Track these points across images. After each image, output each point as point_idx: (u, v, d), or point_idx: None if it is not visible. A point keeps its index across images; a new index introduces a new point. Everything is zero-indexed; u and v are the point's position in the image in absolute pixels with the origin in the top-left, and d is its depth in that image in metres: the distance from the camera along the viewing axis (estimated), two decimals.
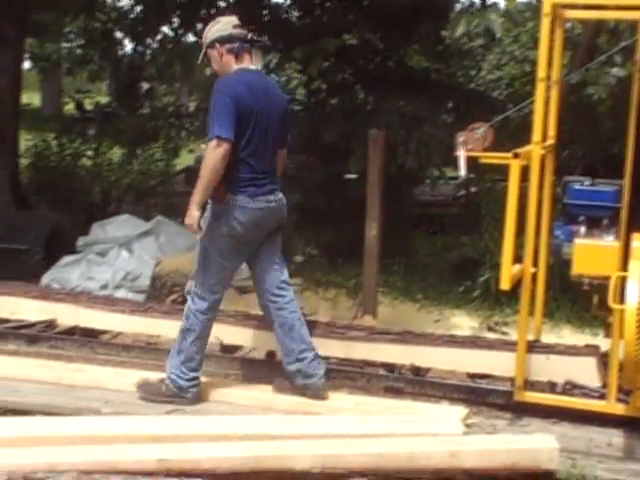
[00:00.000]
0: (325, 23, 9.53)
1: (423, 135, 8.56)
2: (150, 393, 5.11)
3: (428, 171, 9.02)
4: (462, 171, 5.07)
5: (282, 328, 5.18)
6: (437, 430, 4.43)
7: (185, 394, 5.06)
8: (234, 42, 4.98)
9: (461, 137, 5.09)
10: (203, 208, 4.96)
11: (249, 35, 5.12)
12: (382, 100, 8.97)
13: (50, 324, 6.19)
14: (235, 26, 5.04)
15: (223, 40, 4.99)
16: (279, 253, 5.35)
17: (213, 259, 5.05)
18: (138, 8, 11.52)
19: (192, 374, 5.10)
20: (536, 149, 4.85)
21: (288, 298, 5.23)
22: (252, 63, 5.06)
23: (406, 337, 5.63)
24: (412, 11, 9.31)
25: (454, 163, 9.05)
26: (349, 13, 9.45)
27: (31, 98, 24.01)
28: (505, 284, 4.72)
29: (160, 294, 7.42)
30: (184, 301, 7.11)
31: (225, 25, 5.04)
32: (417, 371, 5.52)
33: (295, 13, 10.08)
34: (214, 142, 4.76)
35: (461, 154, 5.07)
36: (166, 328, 6.01)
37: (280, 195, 5.18)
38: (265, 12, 9.99)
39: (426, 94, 9.30)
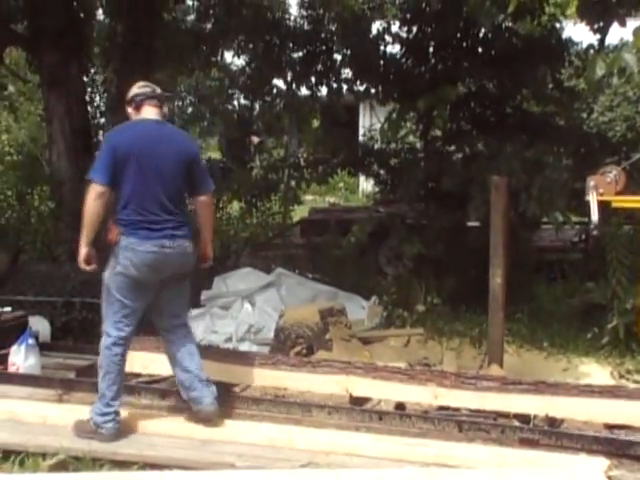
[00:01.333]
0: (441, 71, 9.55)
1: (545, 180, 8.42)
2: (78, 430, 5.29)
3: (551, 217, 8.85)
4: (594, 216, 4.98)
5: (171, 360, 5.57)
6: None
7: (100, 429, 5.22)
8: (136, 98, 5.46)
9: (592, 181, 5.01)
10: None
11: (156, 91, 5.49)
12: (500, 146, 8.89)
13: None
14: (140, 86, 5.52)
15: (129, 99, 5.52)
16: (180, 301, 5.62)
17: (113, 296, 5.31)
18: (252, 66, 11.78)
19: (105, 409, 5.26)
20: None
21: (179, 335, 5.56)
22: (155, 114, 5.44)
23: (540, 387, 5.48)
24: (527, 55, 9.24)
25: (577, 208, 8.93)
26: (464, 60, 9.43)
27: None
28: None
29: (284, 346, 7.43)
30: (308, 353, 7.19)
31: (133, 88, 5.55)
32: (552, 422, 5.38)
33: (410, 63, 10.08)
34: (91, 185, 5.21)
35: (592, 198, 4.98)
36: (293, 380, 6.01)
37: (181, 242, 5.33)
38: (380, 63, 10.05)
39: (545, 138, 9.19)
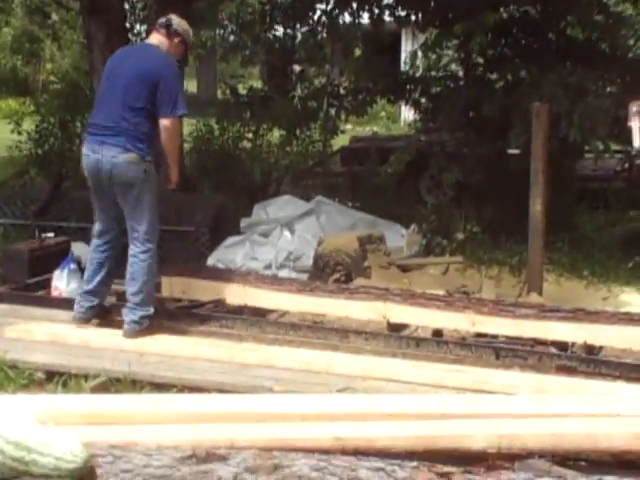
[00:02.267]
0: None
1: (587, 107, 8.27)
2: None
3: (592, 144, 8.71)
4: (636, 142, 4.89)
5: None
6: (619, 410, 4.26)
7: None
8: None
9: (635, 107, 4.90)
10: None
11: (163, 20, 5.96)
12: (543, 73, 8.71)
13: (219, 304, 6.32)
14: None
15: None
16: (127, 213, 5.77)
17: None
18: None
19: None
20: None
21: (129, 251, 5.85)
22: (152, 39, 5.95)
23: (578, 315, 5.47)
24: None
25: (618, 136, 8.79)
26: None
27: (188, 85, 24.66)
28: None
29: (323, 273, 7.46)
30: (347, 280, 7.22)
31: None
32: (590, 350, 5.37)
33: None
34: None
35: (635, 124, 4.88)
36: (331, 307, 6.05)
37: (110, 149, 5.60)
38: None
39: (589, 65, 8.99)
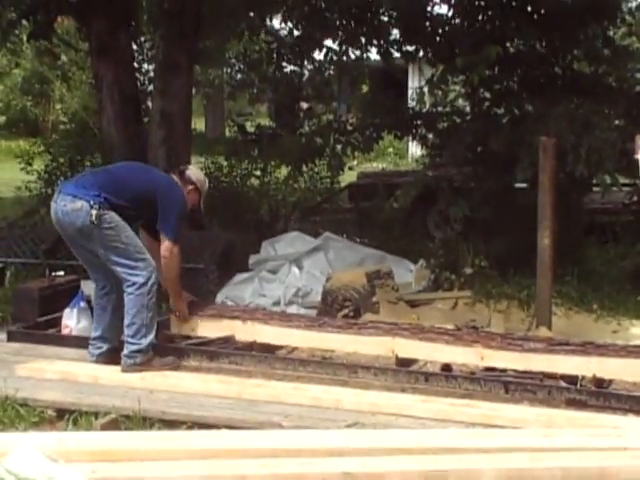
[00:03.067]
0: (488, 31, 9.43)
1: (594, 140, 8.30)
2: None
3: (599, 178, 8.75)
4: None
5: None
6: (628, 444, 4.26)
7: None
8: None
9: None
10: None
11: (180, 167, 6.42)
12: (549, 106, 8.77)
13: (228, 340, 6.33)
14: None
15: None
16: (92, 266, 6.01)
17: None
18: (298, 30, 11.75)
19: None
20: None
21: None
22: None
23: (587, 348, 5.46)
24: (578, 13, 9.09)
25: (626, 169, 8.81)
26: (512, 20, 9.31)
27: (196, 123, 24.85)
28: None
29: (331, 309, 7.47)
30: (355, 316, 7.23)
31: None
32: (600, 383, 5.35)
33: (457, 23, 9.97)
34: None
35: None
36: (340, 342, 6.06)
37: (64, 197, 5.77)
38: (427, 24, 9.96)
39: (595, 98, 9.05)
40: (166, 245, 5.85)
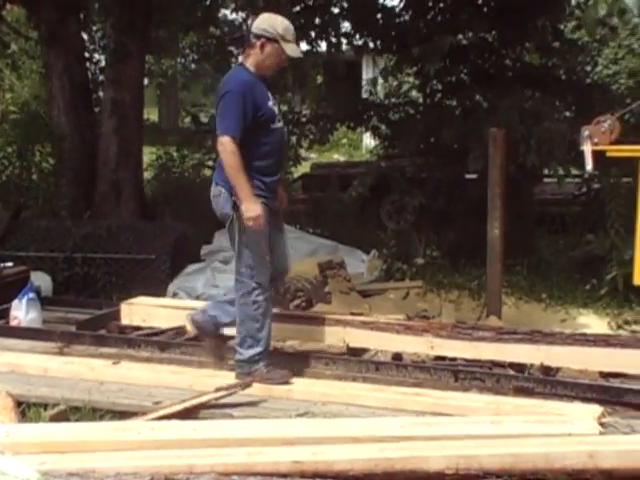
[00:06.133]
0: (439, 23, 9.49)
1: (544, 131, 8.41)
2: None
3: (551, 167, 8.87)
4: (588, 166, 4.98)
5: None
6: (572, 430, 4.33)
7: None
8: None
9: (586, 131, 4.99)
10: None
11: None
12: (500, 98, 8.85)
13: (180, 331, 6.32)
14: None
15: None
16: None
17: None
18: (250, 21, 11.70)
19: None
20: None
21: None
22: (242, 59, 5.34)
23: (535, 336, 5.53)
24: (528, 6, 9.17)
25: (575, 160, 8.93)
26: (463, 12, 9.36)
27: (149, 113, 24.66)
28: (638, 279, 4.60)
29: (284, 300, 7.49)
30: (307, 306, 7.25)
31: None
32: (547, 371, 5.43)
33: (408, 16, 10.01)
34: None
35: (587, 148, 4.97)
36: (291, 332, 6.08)
37: (213, 184, 5.28)
38: (379, 16, 9.99)
39: (545, 90, 9.15)
40: (217, 138, 5.06)
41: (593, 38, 14.00)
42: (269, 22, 5.15)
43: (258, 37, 5.11)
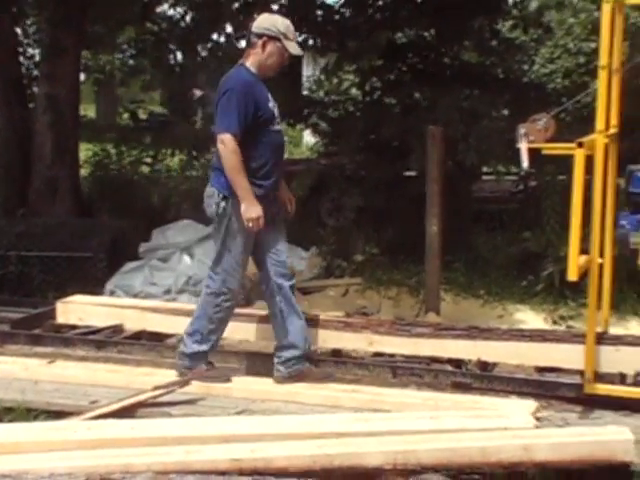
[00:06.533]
0: (379, 21, 9.53)
1: (483, 129, 8.50)
2: None
3: (490, 165, 8.98)
4: (524, 163, 5.01)
5: None
6: (508, 424, 4.38)
7: None
8: None
9: (522, 129, 5.02)
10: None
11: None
12: (439, 96, 8.92)
13: (117, 329, 6.25)
14: None
15: None
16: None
17: None
18: (189, 17, 11.63)
19: None
20: (600, 138, 4.79)
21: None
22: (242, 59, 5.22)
23: (472, 332, 5.58)
24: (466, 6, 9.26)
25: (513, 158, 9.04)
26: (402, 10, 9.42)
27: (86, 109, 24.35)
28: (572, 275, 4.66)
29: None
30: (247, 303, 7.22)
31: None
32: (484, 366, 5.48)
33: (348, 13, 10.04)
34: None
35: (523, 146, 5.01)
36: (231, 330, 6.03)
37: (208, 185, 5.21)
38: (318, 13, 10.00)
39: (483, 88, 9.24)
40: (217, 136, 4.97)
41: (530, 35, 14.19)
42: (270, 21, 5.13)
43: (259, 36, 5.06)
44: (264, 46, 5.06)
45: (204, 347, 5.32)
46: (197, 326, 5.33)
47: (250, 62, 5.12)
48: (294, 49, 5.15)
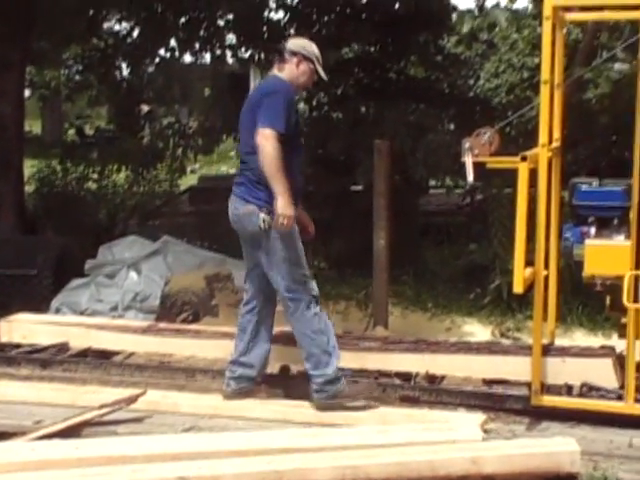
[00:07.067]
0: (324, 37, 9.57)
1: (430, 143, 8.57)
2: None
3: (439, 178, 9.05)
4: (469, 177, 5.05)
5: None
6: (456, 437, 4.40)
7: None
8: None
9: (467, 143, 5.07)
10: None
11: (279, 48, 5.33)
12: (385, 110, 8.98)
13: (62, 347, 6.17)
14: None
15: None
16: (254, 267, 5.27)
17: None
18: (135, 32, 11.58)
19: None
20: (543, 151, 4.85)
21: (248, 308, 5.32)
22: (273, 70, 5.27)
23: (420, 345, 5.61)
24: (410, 21, 9.34)
25: (460, 171, 9.12)
26: (347, 26, 9.47)
27: (32, 125, 24.10)
28: (518, 287, 4.71)
29: (170, 313, 7.40)
30: (195, 319, 7.18)
31: None
32: (432, 379, 5.49)
33: (293, 29, 10.08)
34: None
35: (468, 160, 5.05)
36: (178, 346, 6.01)
37: (235, 200, 5.16)
38: (264, 29, 10.01)
39: (428, 103, 9.32)
40: (259, 131, 4.87)
41: (475, 51, 14.34)
42: (306, 43, 5.29)
43: (295, 54, 5.17)
44: (298, 64, 5.18)
45: (335, 359, 5.11)
46: (317, 350, 5.09)
47: (285, 74, 5.18)
48: (323, 74, 5.28)
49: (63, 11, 11.46)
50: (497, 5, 8.18)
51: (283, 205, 4.87)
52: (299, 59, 5.16)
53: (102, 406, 4.97)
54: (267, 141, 4.84)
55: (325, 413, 5.05)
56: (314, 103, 10.23)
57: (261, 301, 5.28)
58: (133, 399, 5.07)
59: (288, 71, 5.16)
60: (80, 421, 4.82)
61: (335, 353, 5.11)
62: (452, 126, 10.70)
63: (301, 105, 11.74)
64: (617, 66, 10.45)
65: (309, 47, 5.24)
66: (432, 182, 11.45)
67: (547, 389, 5.07)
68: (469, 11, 9.48)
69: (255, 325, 5.27)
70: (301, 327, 5.12)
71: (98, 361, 5.96)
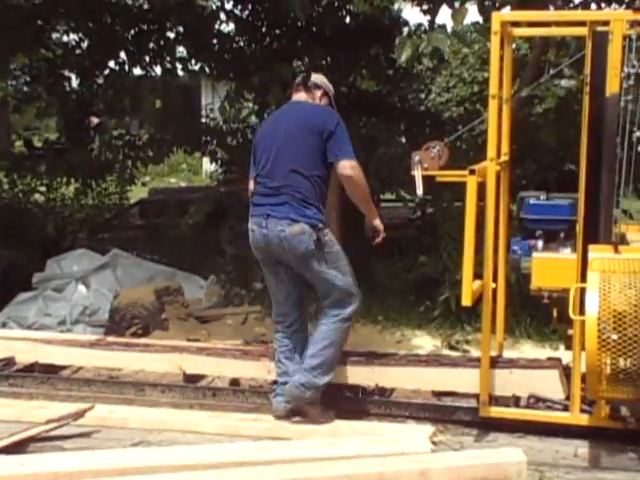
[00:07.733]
0: (275, 50, 9.57)
1: (382, 156, 8.60)
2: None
3: (392, 191, 9.08)
4: (419, 190, 5.10)
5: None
6: (405, 449, 4.43)
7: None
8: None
9: (417, 156, 5.12)
10: None
11: (301, 77, 5.54)
12: None
13: (8, 362, 6.08)
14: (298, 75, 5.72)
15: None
16: (298, 291, 5.49)
17: None
18: (84, 44, 11.48)
19: None
20: (491, 165, 4.90)
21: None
22: (296, 97, 5.45)
23: (369, 358, 5.61)
24: (361, 35, 9.38)
25: (411, 184, 9.19)
26: (298, 39, 9.49)
27: None
28: (466, 300, 4.74)
29: (120, 327, 7.35)
30: (144, 333, 7.14)
31: None
32: (382, 392, 5.51)
33: (243, 42, 10.06)
34: None
35: (417, 173, 5.09)
36: (126, 360, 5.95)
37: (276, 223, 5.12)
38: (214, 42, 9.99)
39: (379, 116, 9.36)
40: (344, 163, 5.09)
41: (426, 65, 14.45)
42: (325, 80, 5.53)
43: (318, 87, 5.45)
44: (321, 97, 5.45)
45: (330, 377, 5.24)
46: (325, 357, 5.21)
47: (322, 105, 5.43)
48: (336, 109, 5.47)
49: (9, 21, 11.35)
50: (443, 26, 8.21)
51: (380, 223, 5.60)
52: (322, 92, 5.46)
53: (49, 421, 4.91)
54: (357, 172, 5.16)
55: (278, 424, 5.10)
56: (265, 116, 10.22)
57: (301, 320, 5.57)
58: (80, 414, 5.02)
59: (317, 102, 5.43)
60: (26, 437, 4.76)
61: (332, 372, 5.26)
62: (403, 139, 10.75)
63: (252, 118, 11.76)
64: (564, 82, 10.60)
65: (329, 84, 5.56)
66: (382, 195, 11.49)
67: (495, 401, 5.12)
68: (417, 28, 9.49)
69: (302, 342, 5.39)
70: (331, 332, 5.27)
71: (45, 376, 5.89)
